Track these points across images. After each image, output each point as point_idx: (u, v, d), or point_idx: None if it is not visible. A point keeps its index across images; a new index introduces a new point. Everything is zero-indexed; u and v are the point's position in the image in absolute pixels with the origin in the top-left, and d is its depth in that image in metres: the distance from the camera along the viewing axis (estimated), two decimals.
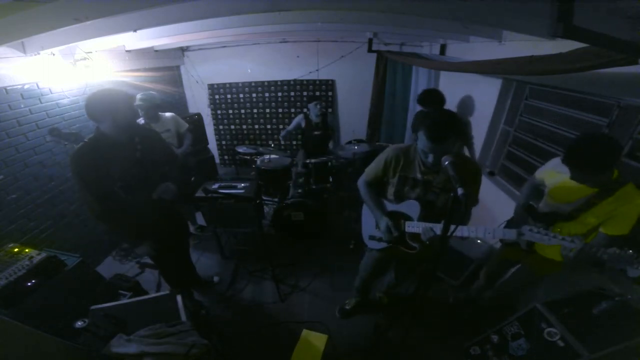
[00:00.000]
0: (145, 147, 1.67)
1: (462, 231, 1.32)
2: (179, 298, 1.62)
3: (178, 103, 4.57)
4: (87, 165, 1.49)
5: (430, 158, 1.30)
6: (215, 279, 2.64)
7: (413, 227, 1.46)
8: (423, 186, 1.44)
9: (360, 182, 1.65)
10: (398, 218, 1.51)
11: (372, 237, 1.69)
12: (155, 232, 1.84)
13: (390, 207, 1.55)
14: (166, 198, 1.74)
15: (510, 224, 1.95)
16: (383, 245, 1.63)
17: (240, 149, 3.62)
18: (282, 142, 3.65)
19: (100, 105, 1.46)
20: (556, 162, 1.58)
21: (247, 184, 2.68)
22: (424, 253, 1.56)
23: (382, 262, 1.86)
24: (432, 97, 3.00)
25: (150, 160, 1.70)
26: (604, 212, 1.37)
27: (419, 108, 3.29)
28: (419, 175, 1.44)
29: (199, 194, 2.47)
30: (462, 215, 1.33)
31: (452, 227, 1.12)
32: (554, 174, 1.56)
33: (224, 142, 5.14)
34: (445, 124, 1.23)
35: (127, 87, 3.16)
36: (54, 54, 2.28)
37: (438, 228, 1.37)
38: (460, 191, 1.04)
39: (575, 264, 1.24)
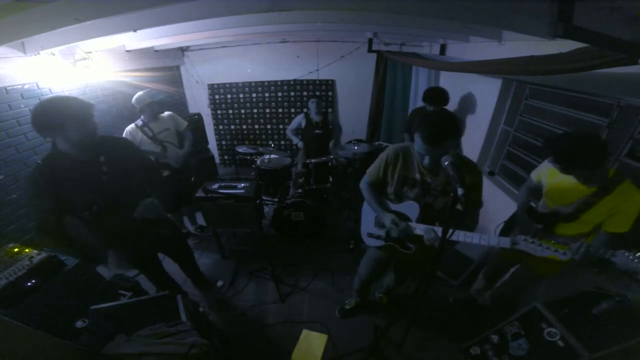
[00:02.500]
0: (114, 167, 1.46)
1: (457, 236, 1.31)
2: (179, 298, 1.62)
3: (178, 103, 4.57)
4: (42, 192, 1.31)
5: (427, 160, 1.30)
6: (219, 283, 2.63)
7: (414, 228, 1.46)
8: (422, 187, 1.43)
9: (363, 183, 1.64)
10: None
11: (370, 235, 1.69)
12: (133, 244, 1.68)
13: (390, 207, 1.55)
14: (150, 217, 1.53)
15: (506, 226, 1.96)
16: (381, 242, 1.63)
17: (240, 149, 3.62)
18: (297, 140, 3.64)
19: (45, 117, 1.23)
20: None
21: (247, 184, 2.68)
22: (421, 255, 1.56)
23: (380, 263, 1.86)
24: (437, 95, 3.01)
25: (121, 180, 1.50)
26: (605, 211, 1.37)
27: (420, 105, 3.32)
28: (417, 176, 1.43)
29: (199, 194, 2.47)
30: (463, 216, 1.33)
31: (444, 229, 1.12)
32: (553, 171, 1.56)
33: (224, 142, 5.14)
34: (441, 127, 1.22)
35: (127, 87, 3.16)
36: (54, 54, 2.28)
37: (439, 230, 1.37)
38: (460, 191, 1.04)
39: (580, 265, 1.23)
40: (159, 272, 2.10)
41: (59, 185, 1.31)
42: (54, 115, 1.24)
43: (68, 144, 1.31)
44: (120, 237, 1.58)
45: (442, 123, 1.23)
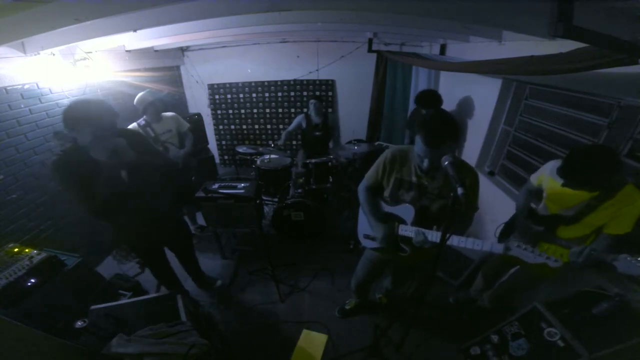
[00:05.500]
0: (130, 163, 1.51)
1: (451, 240, 1.30)
2: (179, 298, 1.62)
3: (178, 103, 4.57)
4: (71, 172, 1.39)
5: (426, 163, 1.29)
6: (219, 283, 2.63)
7: (406, 230, 1.46)
8: (418, 190, 1.43)
9: (361, 188, 1.63)
10: (392, 220, 1.51)
11: (367, 236, 1.70)
12: (149, 235, 1.81)
13: (386, 209, 1.56)
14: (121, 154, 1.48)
15: (507, 227, 1.95)
16: (377, 244, 1.63)
17: (240, 149, 3.62)
18: (281, 143, 3.60)
19: (72, 116, 1.34)
20: (552, 166, 1.58)
21: (247, 184, 2.68)
22: (416, 257, 1.56)
23: (376, 265, 1.86)
24: (430, 98, 3.03)
25: (136, 175, 1.54)
26: (607, 214, 1.37)
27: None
28: (414, 179, 1.43)
29: (199, 194, 2.47)
30: (462, 217, 1.33)
31: (444, 229, 1.12)
32: (551, 180, 1.56)
33: (224, 142, 5.14)
34: (442, 129, 1.22)
35: (127, 87, 3.16)
36: (54, 54, 2.28)
37: (429, 233, 1.38)
38: (460, 191, 1.04)
39: (581, 267, 1.23)
40: (164, 267, 2.13)
41: (76, 175, 1.39)
42: (80, 115, 1.34)
43: (87, 143, 1.39)
44: (132, 228, 1.70)
45: (442, 125, 1.23)
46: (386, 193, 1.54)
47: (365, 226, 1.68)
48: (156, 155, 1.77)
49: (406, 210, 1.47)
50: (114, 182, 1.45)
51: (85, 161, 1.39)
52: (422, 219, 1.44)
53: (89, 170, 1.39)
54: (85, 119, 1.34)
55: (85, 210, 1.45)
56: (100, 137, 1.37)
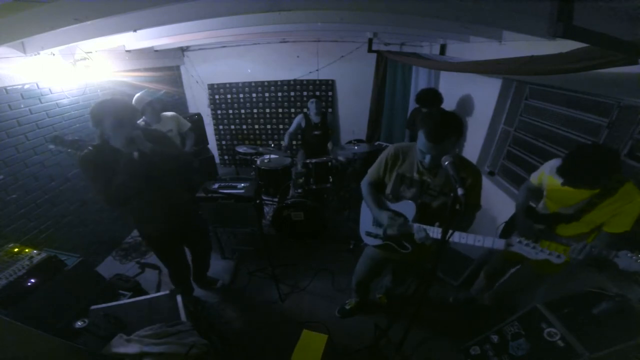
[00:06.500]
0: (148, 157, 1.58)
1: (453, 236, 1.28)
2: (179, 298, 1.62)
3: (178, 103, 4.57)
4: (97, 166, 1.52)
5: (428, 158, 1.29)
6: (219, 282, 2.63)
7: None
8: (419, 186, 1.43)
9: (364, 183, 1.64)
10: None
11: (368, 234, 1.70)
12: (166, 227, 1.85)
13: (388, 205, 1.55)
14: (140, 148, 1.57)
15: (507, 226, 1.95)
16: (379, 241, 1.64)
17: (240, 149, 3.62)
18: (286, 144, 3.60)
19: (97, 114, 1.49)
20: (552, 165, 1.57)
21: (247, 184, 2.68)
22: (417, 255, 1.56)
23: (377, 263, 1.86)
24: (430, 97, 3.03)
25: (153, 169, 1.63)
26: (607, 212, 1.37)
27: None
28: (415, 175, 1.43)
29: (199, 194, 2.47)
30: (462, 217, 1.33)
31: (444, 230, 1.11)
32: (551, 179, 1.56)
33: (224, 142, 5.14)
34: (445, 125, 1.22)
35: (127, 87, 3.16)
36: (54, 54, 2.28)
37: (431, 230, 1.37)
38: (460, 191, 1.04)
39: (581, 265, 1.23)
40: (180, 263, 2.18)
41: (106, 164, 1.51)
42: (103, 113, 1.49)
43: (109, 134, 1.53)
44: (150, 218, 1.79)
45: (445, 120, 1.23)
46: (388, 189, 1.54)
47: (367, 223, 1.69)
48: (172, 148, 1.87)
49: (407, 207, 1.46)
50: (130, 169, 1.53)
51: (109, 156, 1.52)
52: (423, 216, 1.44)
53: (112, 164, 1.51)
54: (107, 112, 1.48)
55: (105, 199, 1.55)
56: (119, 128, 1.49)
